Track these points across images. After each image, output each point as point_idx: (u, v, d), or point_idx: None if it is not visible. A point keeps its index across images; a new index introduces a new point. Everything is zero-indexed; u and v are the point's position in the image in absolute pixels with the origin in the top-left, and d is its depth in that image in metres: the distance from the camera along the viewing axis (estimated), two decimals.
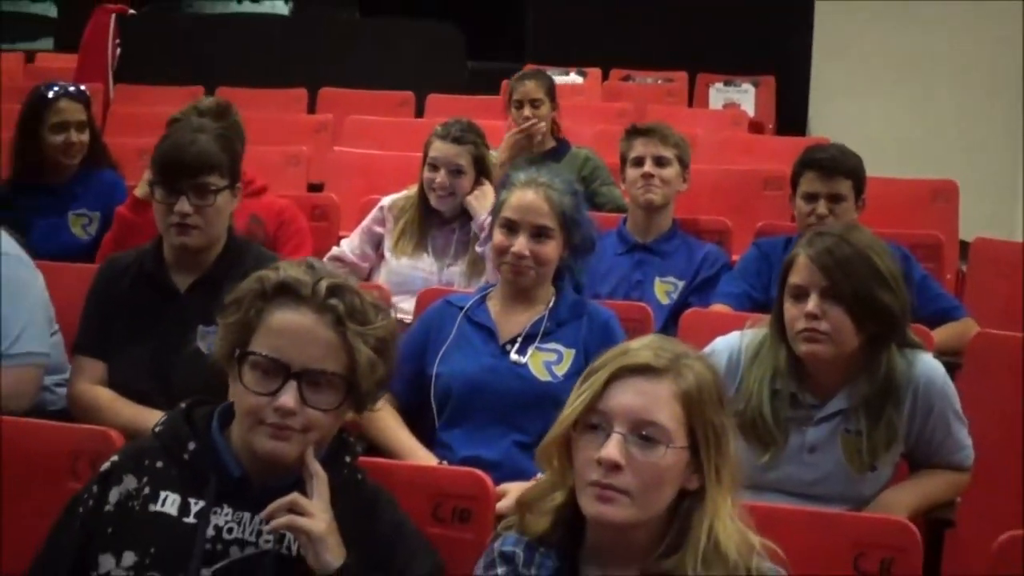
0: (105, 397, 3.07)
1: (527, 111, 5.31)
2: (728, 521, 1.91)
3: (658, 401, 1.92)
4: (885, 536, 2.20)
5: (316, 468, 2.04)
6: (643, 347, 1.98)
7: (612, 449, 1.90)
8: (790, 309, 2.76)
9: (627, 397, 1.92)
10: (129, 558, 2.04)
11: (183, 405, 2.20)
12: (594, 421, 1.93)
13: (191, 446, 2.12)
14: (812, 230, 3.11)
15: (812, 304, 2.69)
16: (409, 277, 4.10)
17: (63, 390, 3.24)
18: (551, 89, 5.47)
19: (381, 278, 4.25)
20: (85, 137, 4.44)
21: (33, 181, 4.43)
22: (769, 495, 2.74)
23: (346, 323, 2.06)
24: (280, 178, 5.43)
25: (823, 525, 2.25)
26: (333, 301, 2.07)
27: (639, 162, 4.26)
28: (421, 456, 3.03)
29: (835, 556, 2.19)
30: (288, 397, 2.01)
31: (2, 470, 2.49)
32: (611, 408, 1.92)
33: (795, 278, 2.75)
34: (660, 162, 4.25)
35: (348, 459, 2.14)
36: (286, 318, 2.05)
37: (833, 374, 2.78)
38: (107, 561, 2.05)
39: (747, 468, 2.73)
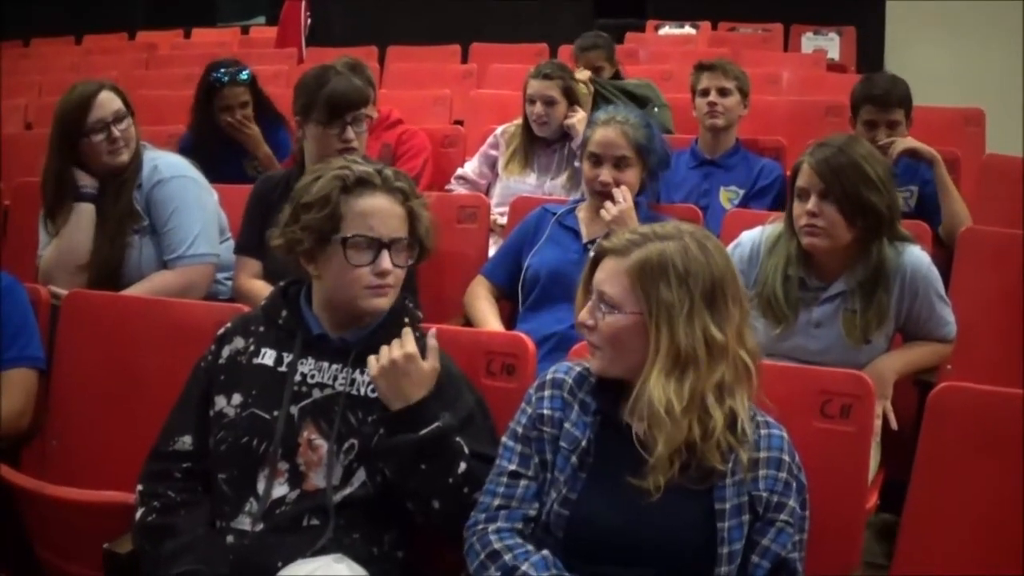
0: (258, 287, 3.18)
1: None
2: (658, 387, 1.86)
3: (612, 276, 1.95)
4: (845, 386, 2.16)
5: (407, 339, 2.09)
6: (622, 233, 2.00)
7: (584, 312, 1.98)
8: (796, 207, 2.74)
9: (599, 274, 1.97)
10: (237, 398, 2.15)
11: (281, 284, 2.29)
12: (590, 291, 1.99)
13: (283, 313, 2.21)
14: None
15: (811, 203, 2.68)
16: (517, 191, 4.10)
17: (231, 282, 3.36)
18: (611, 55, 5.29)
19: (495, 192, 4.30)
20: (248, 111, 4.28)
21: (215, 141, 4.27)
22: (783, 361, 2.71)
23: (411, 199, 2.17)
24: (429, 115, 5.54)
25: (795, 378, 2.22)
26: (399, 184, 2.17)
27: (705, 92, 4.19)
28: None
29: (805, 404, 2.17)
30: (387, 262, 2.12)
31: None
32: (593, 282, 1.98)
33: (800, 181, 2.74)
34: (722, 92, 4.16)
35: (407, 319, 2.19)
36: (370, 203, 2.13)
37: (834, 262, 2.75)
38: (220, 400, 2.16)
39: (764, 339, 2.76)
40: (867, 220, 2.67)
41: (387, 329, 2.14)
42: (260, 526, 2.05)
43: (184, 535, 2.05)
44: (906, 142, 3.67)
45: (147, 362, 2.65)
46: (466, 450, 2.06)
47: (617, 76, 5.29)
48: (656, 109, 4.91)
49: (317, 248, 2.14)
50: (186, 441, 2.16)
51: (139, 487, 2.16)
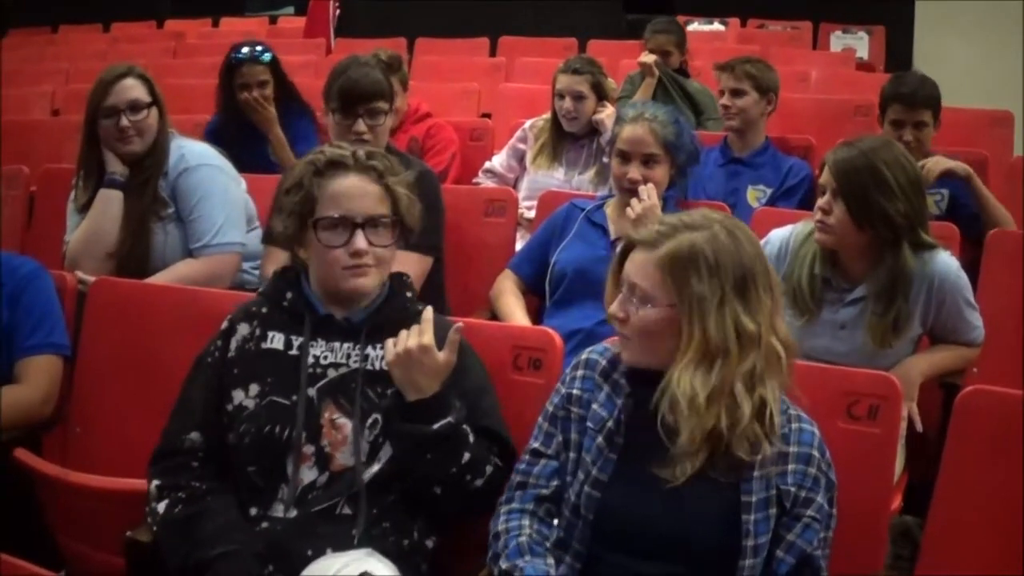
0: None
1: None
2: (685, 377, 1.87)
3: (642, 269, 1.94)
4: (872, 387, 2.15)
5: (426, 328, 2.08)
6: (651, 225, 1.99)
7: (615, 305, 1.98)
8: (818, 202, 2.74)
9: (628, 266, 1.97)
10: (254, 388, 2.14)
11: (278, 270, 2.31)
12: (619, 283, 1.99)
13: (288, 295, 2.21)
14: None
15: (823, 200, 2.69)
16: (545, 185, 4.09)
17: (259, 272, 3.35)
18: (681, 42, 5.23)
19: (523, 186, 4.30)
20: (268, 92, 4.22)
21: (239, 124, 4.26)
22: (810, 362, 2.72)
23: (385, 176, 2.17)
24: (456, 107, 5.54)
25: (822, 379, 2.21)
26: (372, 162, 2.18)
27: (722, 93, 4.18)
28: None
29: (832, 404, 2.15)
30: (360, 241, 2.12)
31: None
32: (623, 274, 1.98)
33: (821, 177, 2.75)
34: (735, 93, 4.12)
35: (409, 295, 2.24)
36: (342, 183, 2.15)
37: (856, 264, 2.74)
38: (238, 394, 2.15)
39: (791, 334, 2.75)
40: (876, 226, 2.65)
41: (391, 303, 2.19)
42: (293, 512, 2.06)
43: (219, 517, 2.05)
44: (941, 164, 3.61)
45: (172, 350, 2.63)
46: (471, 439, 2.08)
47: (684, 66, 5.22)
48: (710, 121, 4.86)
49: (301, 233, 2.17)
50: (194, 438, 2.16)
51: (156, 482, 2.13)
